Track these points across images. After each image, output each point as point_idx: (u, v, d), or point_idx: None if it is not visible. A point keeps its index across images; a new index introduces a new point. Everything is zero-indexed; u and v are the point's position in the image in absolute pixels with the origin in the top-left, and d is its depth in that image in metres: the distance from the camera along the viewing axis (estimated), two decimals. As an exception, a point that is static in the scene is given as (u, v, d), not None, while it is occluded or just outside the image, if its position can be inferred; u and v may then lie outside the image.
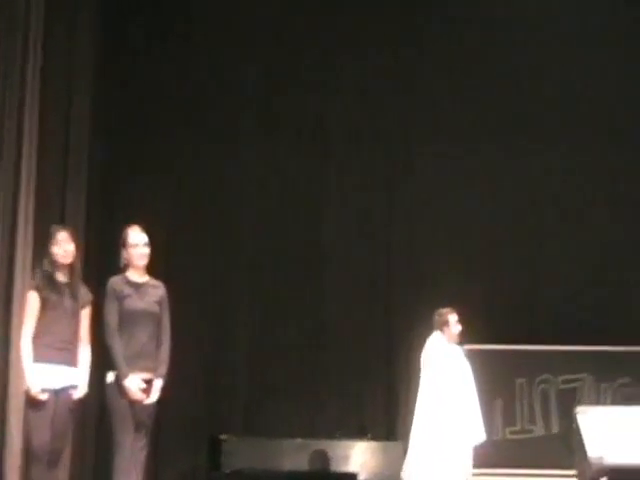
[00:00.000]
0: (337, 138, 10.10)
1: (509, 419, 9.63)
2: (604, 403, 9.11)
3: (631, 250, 9.75)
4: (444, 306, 8.25)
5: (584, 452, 6.41)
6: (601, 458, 6.32)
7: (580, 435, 6.54)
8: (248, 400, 9.55)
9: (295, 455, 8.89)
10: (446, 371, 8.02)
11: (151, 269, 7.07)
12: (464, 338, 8.50)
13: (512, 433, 9.64)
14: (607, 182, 9.93)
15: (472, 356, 9.24)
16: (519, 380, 9.65)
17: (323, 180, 10.06)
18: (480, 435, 8.04)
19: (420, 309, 8.73)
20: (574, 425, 6.71)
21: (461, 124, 9.96)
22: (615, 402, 9.32)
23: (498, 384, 9.53)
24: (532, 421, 9.64)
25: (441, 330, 8.19)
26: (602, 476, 6.24)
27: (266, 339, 9.69)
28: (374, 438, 9.16)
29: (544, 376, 9.64)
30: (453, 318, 8.20)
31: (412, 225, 9.94)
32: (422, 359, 8.18)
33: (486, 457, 9.02)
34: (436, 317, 8.22)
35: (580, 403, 8.99)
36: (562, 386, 9.61)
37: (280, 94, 10.06)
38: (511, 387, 9.63)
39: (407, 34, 10.06)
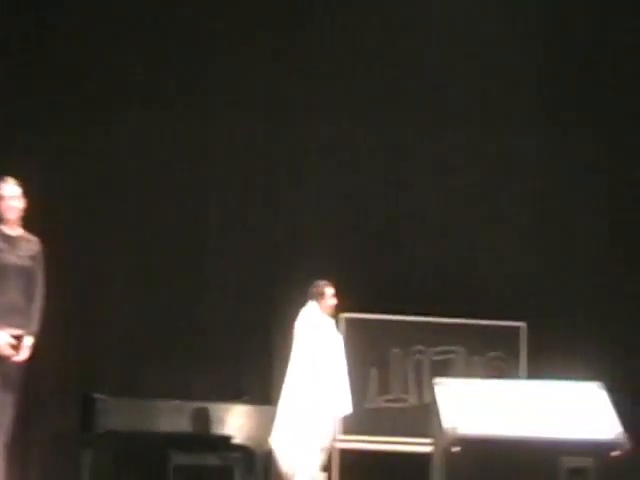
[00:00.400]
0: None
1: (383, 388, 9.77)
2: (476, 376, 9.28)
3: (503, 228, 9.97)
4: (322, 277, 8.52)
5: (439, 422, 6.57)
6: (454, 429, 6.48)
7: (437, 406, 6.70)
8: (123, 359, 9.51)
9: (171, 417, 8.89)
10: (317, 342, 8.27)
11: (26, 225, 7.00)
12: (341, 306, 8.69)
13: (386, 402, 9.80)
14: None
15: (349, 324, 9.46)
16: (394, 350, 9.80)
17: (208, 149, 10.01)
18: (346, 407, 8.33)
19: (299, 278, 8.85)
20: (432, 396, 6.86)
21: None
22: (486, 375, 9.54)
23: (373, 353, 9.69)
24: (405, 390, 9.82)
25: (316, 301, 8.47)
26: (455, 446, 6.40)
27: (143, 298, 9.65)
28: (250, 402, 9.21)
29: (419, 347, 9.81)
30: (329, 291, 8.51)
31: (296, 195, 9.99)
32: (295, 328, 8.41)
33: (360, 424, 9.24)
34: (312, 288, 8.50)
35: (452, 375, 9.17)
36: (436, 357, 9.78)
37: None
38: (386, 356, 9.77)
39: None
